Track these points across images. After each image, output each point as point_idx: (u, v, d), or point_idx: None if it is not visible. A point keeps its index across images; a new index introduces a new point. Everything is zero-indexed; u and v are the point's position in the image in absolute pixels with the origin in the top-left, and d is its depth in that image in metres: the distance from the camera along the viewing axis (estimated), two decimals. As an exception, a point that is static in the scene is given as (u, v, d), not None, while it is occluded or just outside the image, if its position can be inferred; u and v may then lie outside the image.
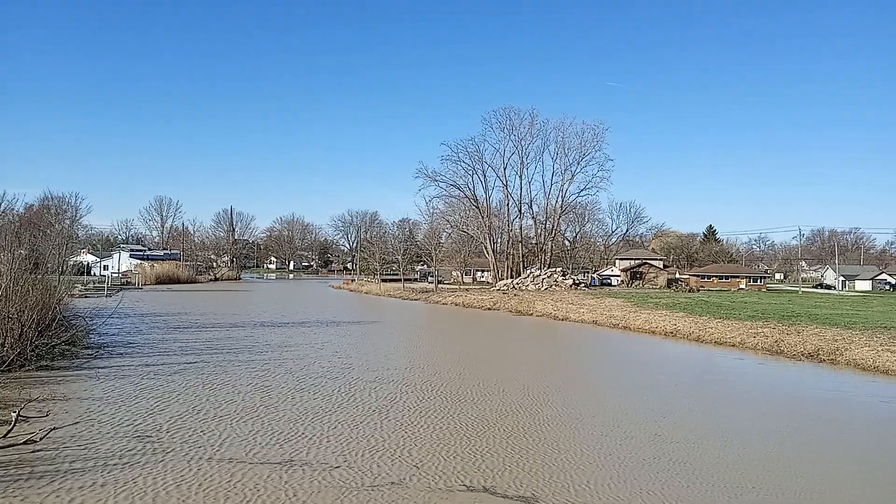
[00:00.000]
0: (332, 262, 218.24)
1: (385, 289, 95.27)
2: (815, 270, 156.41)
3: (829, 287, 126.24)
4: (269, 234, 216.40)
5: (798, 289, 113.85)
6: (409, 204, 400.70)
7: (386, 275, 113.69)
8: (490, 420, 17.06)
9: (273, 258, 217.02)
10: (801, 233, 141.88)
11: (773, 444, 15.34)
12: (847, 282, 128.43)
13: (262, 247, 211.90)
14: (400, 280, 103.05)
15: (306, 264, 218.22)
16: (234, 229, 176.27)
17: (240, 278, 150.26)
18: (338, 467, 12.70)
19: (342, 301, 76.92)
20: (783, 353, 32.14)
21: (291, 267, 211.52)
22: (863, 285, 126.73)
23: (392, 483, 11.88)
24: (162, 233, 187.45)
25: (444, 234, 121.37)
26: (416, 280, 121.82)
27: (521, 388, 21.75)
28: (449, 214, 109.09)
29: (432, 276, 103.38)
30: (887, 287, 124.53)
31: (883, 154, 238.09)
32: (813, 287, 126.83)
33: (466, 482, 12.07)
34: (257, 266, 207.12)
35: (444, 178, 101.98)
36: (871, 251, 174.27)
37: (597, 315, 51.63)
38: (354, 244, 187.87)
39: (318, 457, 13.38)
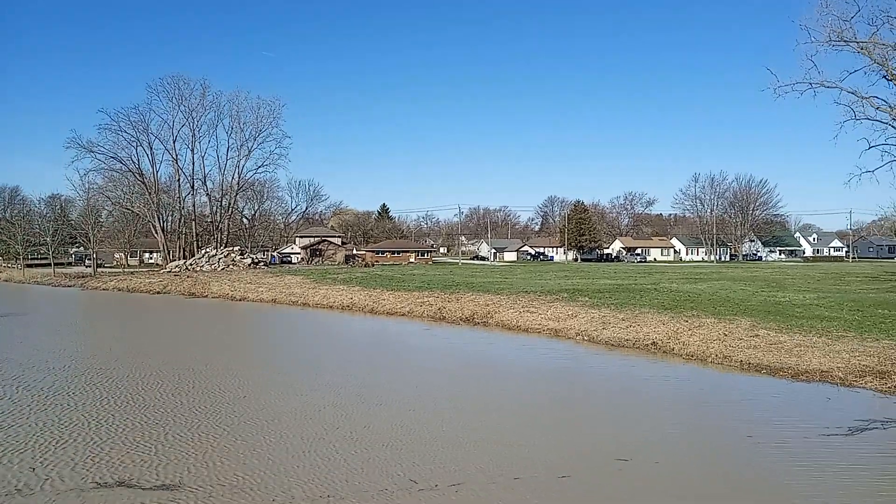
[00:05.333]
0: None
1: (30, 275, 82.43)
2: (472, 244, 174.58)
3: (484, 258, 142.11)
4: None
5: (459, 261, 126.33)
6: (59, 178, 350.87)
7: (32, 259, 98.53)
8: (107, 412, 15.43)
9: None
10: (461, 210, 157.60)
11: (422, 392, 16.51)
12: (498, 253, 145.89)
13: None
14: (50, 265, 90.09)
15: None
16: None
17: None
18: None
19: (-29, 292, 64.60)
20: (445, 319, 35.08)
21: None
22: (510, 256, 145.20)
23: (15, 490, 10.12)
24: None
25: (105, 212, 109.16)
26: (70, 264, 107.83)
27: (152, 374, 20.14)
28: (109, 190, 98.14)
29: (90, 260, 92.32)
30: (528, 257, 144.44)
31: (522, 144, 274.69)
32: (471, 259, 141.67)
33: (97, 479, 10.76)
34: None
35: (102, 149, 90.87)
36: (517, 226, 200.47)
37: (276, 293, 51.07)
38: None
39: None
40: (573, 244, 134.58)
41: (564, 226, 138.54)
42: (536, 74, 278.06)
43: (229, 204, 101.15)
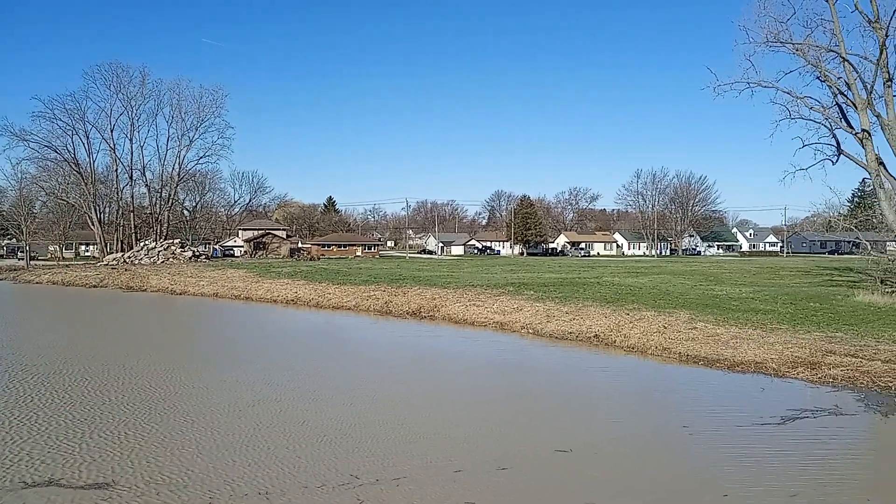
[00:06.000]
0: None
1: (-43, 269, 78.83)
2: (420, 238, 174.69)
3: (431, 252, 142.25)
4: None
5: (406, 255, 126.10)
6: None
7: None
8: (31, 410, 14.69)
9: None
10: (408, 204, 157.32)
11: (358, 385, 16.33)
12: (445, 247, 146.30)
13: None
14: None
15: None
16: None
17: None
18: None
19: None
20: (392, 313, 34.86)
21: None
22: (457, 250, 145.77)
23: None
24: None
25: (39, 202, 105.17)
26: (2, 256, 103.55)
27: (80, 370, 19.19)
28: (43, 180, 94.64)
29: (23, 252, 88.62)
30: (475, 251, 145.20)
31: (470, 139, 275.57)
32: (418, 252, 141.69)
33: (24, 479, 10.26)
34: None
35: (35, 137, 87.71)
36: (464, 220, 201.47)
37: (218, 287, 49.97)
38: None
39: None
40: (519, 238, 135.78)
41: (511, 220, 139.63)
42: (483, 70, 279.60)
43: (169, 195, 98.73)
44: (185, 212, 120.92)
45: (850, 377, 17.09)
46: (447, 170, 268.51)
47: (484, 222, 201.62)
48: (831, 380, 17.11)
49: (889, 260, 36.56)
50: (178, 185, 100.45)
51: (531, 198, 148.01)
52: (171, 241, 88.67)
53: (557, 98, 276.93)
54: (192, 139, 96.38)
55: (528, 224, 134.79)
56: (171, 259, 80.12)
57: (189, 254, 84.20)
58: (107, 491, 9.84)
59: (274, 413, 14.45)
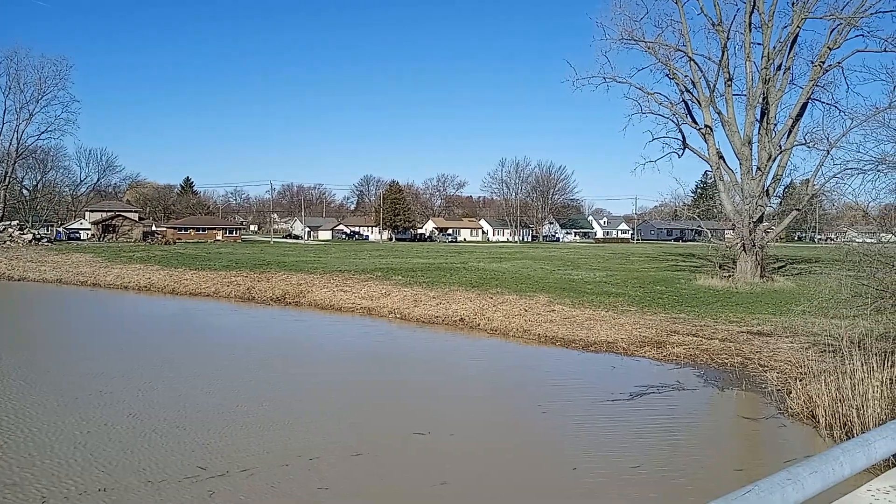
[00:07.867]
0: None
1: None
2: (285, 222, 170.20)
3: (297, 237, 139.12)
4: None
5: (270, 239, 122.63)
6: None
7: None
8: None
9: None
10: (273, 187, 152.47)
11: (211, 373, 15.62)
12: (312, 232, 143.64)
13: None
14: None
15: None
16: None
17: None
18: None
19: None
20: (255, 300, 33.65)
21: None
22: (325, 235, 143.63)
23: None
24: None
25: None
26: None
27: None
28: None
29: None
30: (343, 236, 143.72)
31: (337, 122, 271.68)
32: (284, 237, 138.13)
33: None
34: None
35: None
36: (332, 205, 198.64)
37: (62, 273, 46.32)
38: None
39: None
40: (388, 224, 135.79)
41: (380, 205, 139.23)
42: (352, 55, 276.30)
43: (6, 173, 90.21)
44: (25, 191, 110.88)
45: (691, 355, 18.37)
46: (314, 153, 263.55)
47: (353, 207, 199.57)
48: (675, 358, 18.30)
49: (727, 247, 39.81)
50: (15, 162, 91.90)
51: (400, 183, 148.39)
52: (7, 222, 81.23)
53: (426, 84, 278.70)
54: (32, 112, 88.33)
55: (396, 210, 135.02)
56: (7, 242, 73.42)
57: (29, 237, 77.63)
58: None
59: (104, 407, 13.21)
